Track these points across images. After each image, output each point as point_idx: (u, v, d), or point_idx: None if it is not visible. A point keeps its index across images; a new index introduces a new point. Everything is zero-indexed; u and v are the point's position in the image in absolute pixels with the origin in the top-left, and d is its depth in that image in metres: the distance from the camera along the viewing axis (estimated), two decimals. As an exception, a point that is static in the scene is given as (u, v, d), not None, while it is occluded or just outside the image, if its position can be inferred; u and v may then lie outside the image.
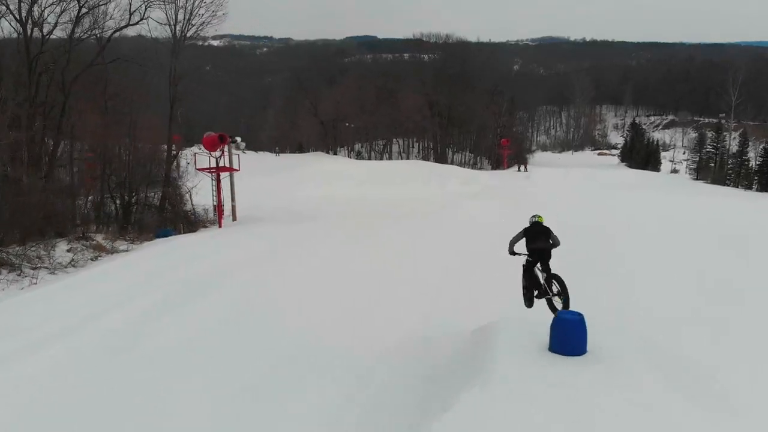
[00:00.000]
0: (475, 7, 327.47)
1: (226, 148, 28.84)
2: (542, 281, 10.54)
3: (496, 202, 33.42)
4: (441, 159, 79.35)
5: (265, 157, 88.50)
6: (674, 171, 79.25)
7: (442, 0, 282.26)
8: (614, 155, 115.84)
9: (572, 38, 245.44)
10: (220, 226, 28.06)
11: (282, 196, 44.65)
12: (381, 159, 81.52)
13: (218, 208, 28.51)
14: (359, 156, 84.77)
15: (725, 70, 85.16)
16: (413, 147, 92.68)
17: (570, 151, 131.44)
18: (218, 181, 28.59)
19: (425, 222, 28.31)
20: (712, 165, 67.51)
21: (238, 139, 32.20)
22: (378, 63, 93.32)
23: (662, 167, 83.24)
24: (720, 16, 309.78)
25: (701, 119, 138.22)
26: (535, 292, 10.79)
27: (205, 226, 28.44)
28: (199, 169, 29.00)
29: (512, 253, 10.69)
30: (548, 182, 53.25)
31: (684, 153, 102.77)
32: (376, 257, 19.59)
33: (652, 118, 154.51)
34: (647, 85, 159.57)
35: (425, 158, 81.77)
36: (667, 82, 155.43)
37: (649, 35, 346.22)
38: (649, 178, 60.76)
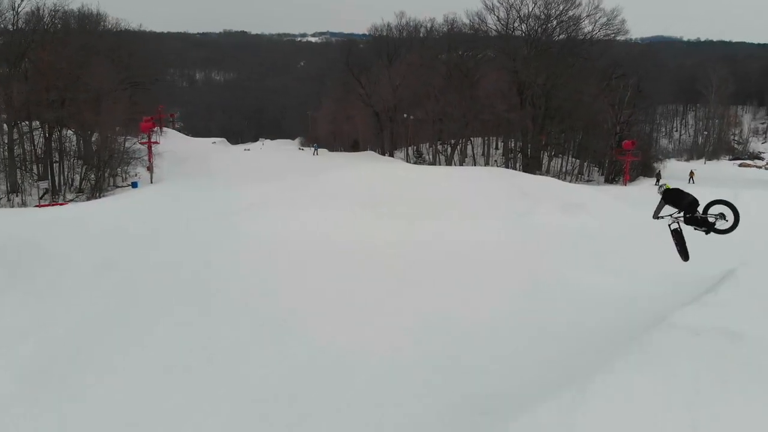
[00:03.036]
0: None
1: None
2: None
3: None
4: (533, 165, 56.69)
5: (297, 156, 69.60)
6: None
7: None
8: (761, 167, 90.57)
9: (686, 38, 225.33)
10: None
11: (226, 230, 24.34)
12: (450, 164, 59.68)
13: None
14: (419, 159, 63.47)
15: None
16: (497, 148, 70.13)
17: (702, 160, 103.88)
18: None
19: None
20: None
21: None
22: (454, 40, 70.66)
23: None
24: None
25: None
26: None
27: None
28: None
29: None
30: None
31: None
32: None
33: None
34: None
35: (510, 164, 59.30)
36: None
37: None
38: None
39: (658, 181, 49.28)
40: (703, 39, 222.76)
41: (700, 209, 11.17)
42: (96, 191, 40.50)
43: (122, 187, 42.98)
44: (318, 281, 18.90)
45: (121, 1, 75.30)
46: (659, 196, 11.81)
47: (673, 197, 11.57)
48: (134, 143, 46.91)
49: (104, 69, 44.98)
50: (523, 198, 33.95)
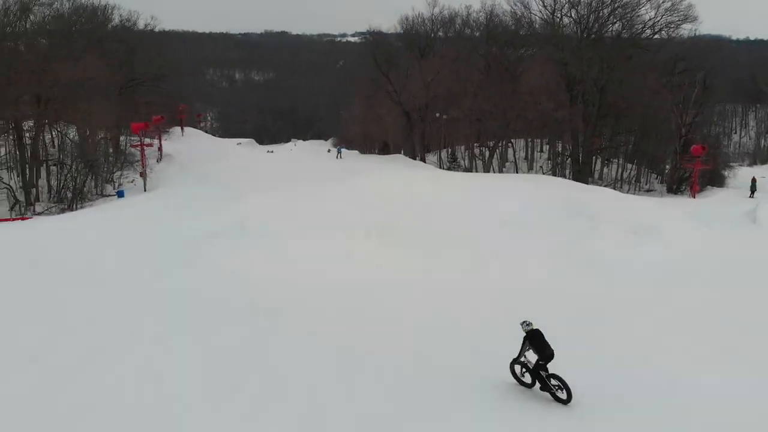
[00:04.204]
0: None
1: None
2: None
3: None
4: (585, 172, 49.27)
5: (320, 159, 63.63)
6: None
7: None
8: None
9: (734, 37, 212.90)
10: None
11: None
12: (488, 170, 52.60)
13: None
14: (453, 163, 56.67)
15: None
16: (542, 151, 62.90)
17: (767, 165, 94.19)
18: None
19: None
20: None
21: None
22: (493, 32, 63.29)
23: None
24: None
25: None
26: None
27: None
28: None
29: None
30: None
31: None
32: None
33: None
34: None
35: (558, 171, 52.06)
36: None
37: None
38: None
39: (753, 192, 41.11)
40: (752, 38, 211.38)
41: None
42: (74, 201, 34.95)
43: (108, 196, 37.43)
44: (282, 339, 12.72)
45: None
46: (523, 334, 11.14)
47: (537, 342, 10.85)
48: (127, 148, 41.47)
49: (92, 63, 39.58)
50: (579, 217, 27.11)
